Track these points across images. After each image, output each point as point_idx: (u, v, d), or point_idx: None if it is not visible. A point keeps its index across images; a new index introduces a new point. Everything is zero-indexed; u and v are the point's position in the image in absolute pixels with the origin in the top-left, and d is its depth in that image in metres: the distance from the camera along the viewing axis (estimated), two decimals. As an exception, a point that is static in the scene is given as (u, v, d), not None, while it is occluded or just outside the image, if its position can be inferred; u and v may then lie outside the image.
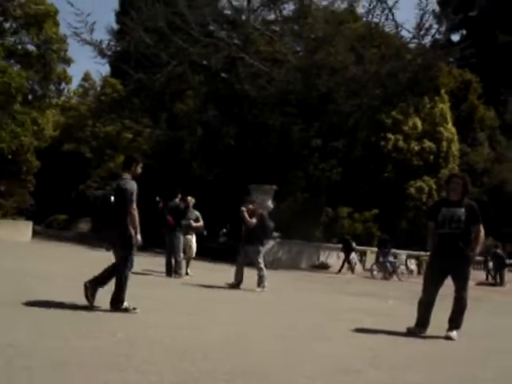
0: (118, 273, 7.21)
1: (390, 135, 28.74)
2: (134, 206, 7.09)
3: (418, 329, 7.32)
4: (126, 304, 7.15)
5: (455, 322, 7.34)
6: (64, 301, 7.31)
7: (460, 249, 7.22)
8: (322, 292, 14.01)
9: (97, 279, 7.21)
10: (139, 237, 7.16)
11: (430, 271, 7.72)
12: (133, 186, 7.17)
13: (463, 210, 7.28)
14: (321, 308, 9.87)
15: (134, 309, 7.11)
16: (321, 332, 7.18)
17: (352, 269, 23.49)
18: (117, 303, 7.12)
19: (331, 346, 6.28)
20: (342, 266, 23.25)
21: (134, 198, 7.10)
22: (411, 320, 7.44)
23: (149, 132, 27.62)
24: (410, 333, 7.25)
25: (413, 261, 27.71)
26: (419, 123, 29.76)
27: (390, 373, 5.19)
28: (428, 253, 8.27)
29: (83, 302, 7.13)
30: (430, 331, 7.32)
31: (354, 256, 24.83)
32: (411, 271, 25.33)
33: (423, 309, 7.38)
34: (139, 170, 7.50)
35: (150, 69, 24.10)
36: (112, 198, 7.14)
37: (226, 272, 16.95)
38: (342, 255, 23.78)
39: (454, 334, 7.22)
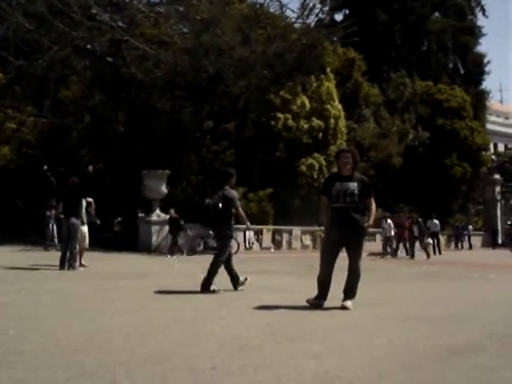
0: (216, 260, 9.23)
1: (279, 114, 29.08)
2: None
3: (318, 301, 7.50)
4: (213, 286, 9.01)
5: (350, 292, 7.59)
6: None
7: (354, 220, 7.45)
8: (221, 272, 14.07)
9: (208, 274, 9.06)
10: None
11: (326, 245, 7.92)
12: (235, 194, 9.55)
13: (355, 184, 7.52)
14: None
15: (219, 290, 8.99)
16: (218, 312, 7.20)
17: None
18: (208, 285, 8.97)
19: (229, 325, 6.32)
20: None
21: (238, 203, 9.60)
22: (309, 294, 7.62)
23: (32, 120, 26.49)
24: (310, 305, 7.42)
25: (307, 236, 28.49)
26: (307, 102, 30.27)
27: (289, 345, 5.29)
28: (321, 228, 8.51)
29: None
30: (327, 303, 7.52)
31: (251, 235, 25.18)
32: (306, 246, 26.02)
33: (322, 281, 7.55)
34: (233, 181, 9.72)
35: (31, 55, 23.07)
36: (220, 205, 9.19)
37: (123, 261, 16.71)
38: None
39: (349, 303, 7.46)
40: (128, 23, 24.30)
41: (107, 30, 22.95)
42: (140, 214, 22.87)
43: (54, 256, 13.69)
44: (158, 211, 23.52)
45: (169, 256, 20.28)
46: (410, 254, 24.81)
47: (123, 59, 23.13)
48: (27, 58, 23.11)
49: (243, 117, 27.41)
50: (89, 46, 24.55)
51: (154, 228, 23.20)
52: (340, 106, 32.34)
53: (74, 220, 12.92)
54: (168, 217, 22.04)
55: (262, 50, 23.50)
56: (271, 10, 26.38)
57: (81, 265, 13.51)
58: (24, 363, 4.40)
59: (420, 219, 26.81)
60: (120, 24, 24.26)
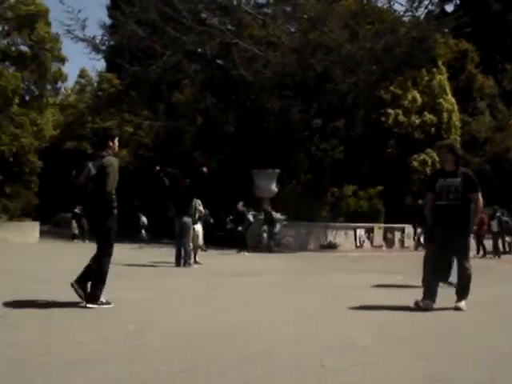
0: None
1: (389, 110, 28.63)
2: None
3: (426, 302, 7.26)
4: None
5: (462, 292, 7.34)
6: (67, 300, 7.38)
7: (457, 219, 7.19)
8: (331, 271, 14.06)
9: None
10: None
11: (431, 244, 7.71)
12: None
13: (459, 179, 7.23)
14: (330, 287, 9.91)
15: None
16: (327, 311, 7.22)
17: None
18: None
19: (337, 324, 6.33)
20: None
21: None
22: (420, 294, 7.46)
23: (148, 124, 27.62)
24: (418, 306, 7.24)
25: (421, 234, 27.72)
26: (418, 96, 29.61)
27: (398, 346, 5.23)
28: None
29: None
30: (438, 304, 7.34)
31: (361, 233, 24.94)
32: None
33: (427, 283, 7.36)
34: None
35: (145, 61, 24.07)
36: None
37: (236, 258, 17.06)
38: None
39: (462, 304, 7.23)
40: (236, 26, 24.76)
41: (217, 33, 23.50)
42: (251, 213, 23.20)
43: (171, 253, 14.19)
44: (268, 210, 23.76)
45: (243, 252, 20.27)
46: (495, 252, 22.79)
47: (233, 61, 23.59)
48: (141, 64, 24.11)
49: (352, 114, 27.18)
50: (199, 50, 25.23)
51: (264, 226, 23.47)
52: (453, 100, 31.35)
53: (185, 219, 13.37)
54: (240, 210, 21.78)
55: (370, 45, 23.20)
56: (379, 5, 26.03)
57: (195, 262, 13.96)
58: (142, 357, 4.64)
59: (498, 213, 24.04)
60: (229, 27, 24.77)
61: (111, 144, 7.21)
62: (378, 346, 5.22)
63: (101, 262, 6.98)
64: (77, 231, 23.65)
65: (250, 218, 21.27)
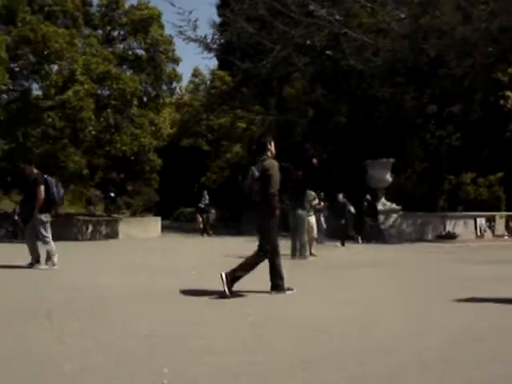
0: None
1: (508, 93, 27.32)
2: None
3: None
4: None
5: None
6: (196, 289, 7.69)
7: None
8: (451, 262, 13.70)
9: None
10: None
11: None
12: None
13: None
14: (451, 279, 9.68)
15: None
16: (450, 304, 7.07)
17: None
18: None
19: (463, 316, 6.20)
20: None
21: None
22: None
23: (260, 119, 27.99)
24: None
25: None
26: (539, 76, 28.07)
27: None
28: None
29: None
30: None
31: (482, 222, 24.03)
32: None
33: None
34: None
35: (255, 57, 24.37)
36: None
37: (345, 250, 16.99)
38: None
39: None
40: (345, 16, 24.48)
41: (325, 24, 23.36)
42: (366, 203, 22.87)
43: (286, 246, 14.36)
44: (383, 200, 23.42)
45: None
46: None
47: (342, 52, 23.39)
48: (252, 60, 24.43)
49: (469, 98, 26.18)
50: (308, 43, 25.19)
51: (380, 217, 23.17)
52: None
53: (300, 212, 13.48)
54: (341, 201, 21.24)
55: (485, 26, 22.21)
56: (494, -17, 24.82)
57: (311, 254, 14.05)
58: (262, 347, 4.79)
59: None
60: (337, 17, 24.55)
61: (269, 146, 7.81)
62: (504, 339, 5.08)
63: (257, 257, 7.57)
64: (201, 225, 24.13)
65: (351, 209, 21.08)
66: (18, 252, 14.15)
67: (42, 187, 10.53)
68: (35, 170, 10.92)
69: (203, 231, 23.84)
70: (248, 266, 7.54)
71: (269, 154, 7.74)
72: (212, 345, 4.94)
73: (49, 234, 10.70)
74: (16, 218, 19.77)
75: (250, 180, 7.48)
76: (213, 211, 25.76)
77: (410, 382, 3.95)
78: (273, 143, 7.87)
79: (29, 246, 10.75)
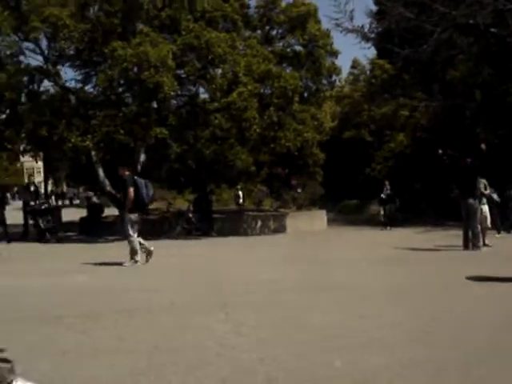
0: None
1: None
2: None
3: None
4: None
5: None
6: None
7: None
8: None
9: None
10: None
11: None
12: None
13: None
14: None
15: None
16: None
17: None
18: None
19: None
20: None
21: None
22: None
23: (424, 105, 27.12)
24: None
25: None
26: None
27: None
28: None
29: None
30: None
31: None
32: None
33: None
34: None
35: (415, 42, 23.67)
36: None
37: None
38: None
39: None
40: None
41: (488, 2, 22.15)
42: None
43: (457, 236, 13.87)
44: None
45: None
46: None
47: (508, 28, 22.05)
48: (412, 45, 23.73)
49: None
50: (471, 22, 23.99)
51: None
52: None
53: (471, 201, 12.93)
54: None
55: None
56: None
57: (484, 245, 13.45)
58: (435, 343, 4.70)
59: None
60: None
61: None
62: None
63: None
64: (382, 219, 23.04)
65: (495, 196, 19.38)
66: (194, 246, 15.03)
67: (132, 188, 11.18)
68: (127, 172, 11.61)
69: (385, 223, 22.50)
70: None
71: None
72: (384, 338, 4.95)
73: (133, 234, 11.18)
74: (190, 215, 20.92)
75: None
76: (397, 201, 23.88)
77: None
78: None
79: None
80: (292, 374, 4.13)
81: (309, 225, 22.25)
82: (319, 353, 4.62)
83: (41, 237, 17.85)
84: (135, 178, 11.68)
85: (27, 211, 18.64)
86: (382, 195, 23.07)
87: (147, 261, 11.21)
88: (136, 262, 11.11)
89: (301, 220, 22.88)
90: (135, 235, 11.20)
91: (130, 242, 11.20)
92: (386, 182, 23.35)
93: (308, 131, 20.72)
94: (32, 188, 19.04)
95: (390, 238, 17.82)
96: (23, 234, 19.03)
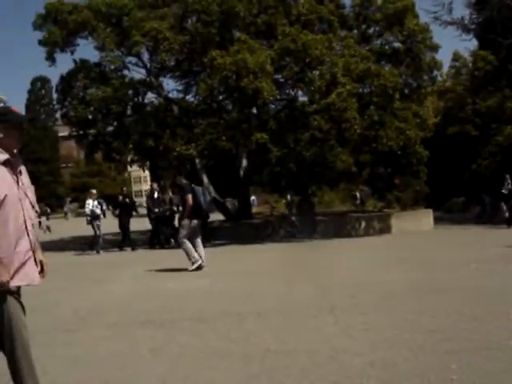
0: None
1: None
2: None
3: None
4: None
5: None
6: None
7: None
8: None
9: None
10: None
11: None
12: None
13: None
14: None
15: None
16: None
17: None
18: None
19: None
20: None
21: None
22: None
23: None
24: None
25: None
26: None
27: None
28: None
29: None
30: None
31: None
32: None
33: None
34: None
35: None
36: None
37: None
38: None
39: None
40: None
41: None
42: None
43: None
44: None
45: None
46: None
47: None
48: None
49: None
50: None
51: None
52: None
53: None
54: None
55: None
56: None
57: None
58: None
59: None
60: None
61: None
62: None
63: None
64: (506, 214, 21.56)
65: None
66: (298, 248, 15.08)
67: (189, 195, 11.43)
68: (184, 180, 12.02)
69: (509, 221, 20.84)
70: None
71: None
72: (500, 341, 4.78)
73: (185, 239, 11.31)
74: (293, 218, 20.98)
75: None
76: None
77: None
78: None
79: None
80: (404, 377, 4.07)
81: (415, 225, 21.76)
82: (432, 356, 4.52)
83: (165, 243, 18.34)
84: (193, 185, 11.97)
85: (152, 218, 18.86)
86: (503, 190, 21.57)
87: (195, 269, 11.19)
88: (196, 261, 11.20)
89: (406, 220, 22.43)
90: (186, 240, 11.36)
91: (183, 246, 11.39)
92: (507, 176, 21.79)
93: (410, 129, 20.28)
94: (156, 195, 19.07)
95: (503, 236, 17.07)
96: (151, 241, 19.00)
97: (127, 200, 19.42)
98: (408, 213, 24.91)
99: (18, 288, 3.48)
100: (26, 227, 3.48)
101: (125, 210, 18.83)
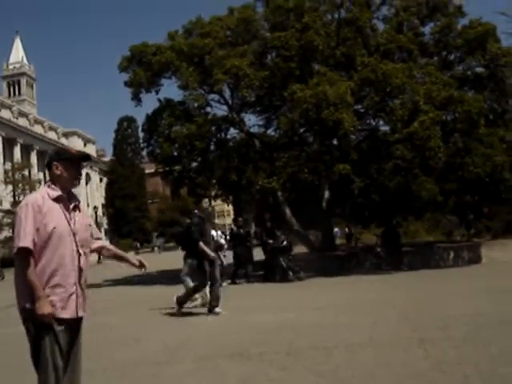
0: None
1: None
2: None
3: None
4: None
5: None
6: None
7: None
8: None
9: None
10: None
11: None
12: None
13: None
14: None
15: None
16: None
17: None
18: None
19: None
20: None
21: None
22: None
23: None
24: None
25: None
26: None
27: None
28: None
29: None
30: None
31: None
32: None
33: None
34: None
35: None
36: None
37: None
38: None
39: None
40: None
41: None
42: None
43: None
44: None
45: None
46: None
47: None
48: None
49: None
50: None
51: None
52: None
53: None
54: None
55: None
56: None
57: None
58: None
59: None
60: None
61: None
62: None
63: None
64: None
65: None
66: (384, 280, 14.83)
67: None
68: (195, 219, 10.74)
69: None
70: None
71: None
72: None
73: (187, 277, 10.92)
74: (379, 249, 20.69)
75: None
76: None
77: None
78: None
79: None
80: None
81: (506, 254, 20.98)
82: None
83: (283, 276, 17.22)
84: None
85: (267, 250, 18.16)
86: None
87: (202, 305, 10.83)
88: (204, 301, 10.70)
89: (497, 249, 21.72)
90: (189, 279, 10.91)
91: (184, 283, 11.02)
92: None
93: (497, 155, 19.69)
94: (268, 225, 18.43)
95: None
96: (265, 275, 17.97)
97: (241, 231, 18.45)
98: (499, 241, 24.09)
99: (71, 320, 3.53)
100: (78, 262, 3.58)
101: (239, 241, 18.00)
